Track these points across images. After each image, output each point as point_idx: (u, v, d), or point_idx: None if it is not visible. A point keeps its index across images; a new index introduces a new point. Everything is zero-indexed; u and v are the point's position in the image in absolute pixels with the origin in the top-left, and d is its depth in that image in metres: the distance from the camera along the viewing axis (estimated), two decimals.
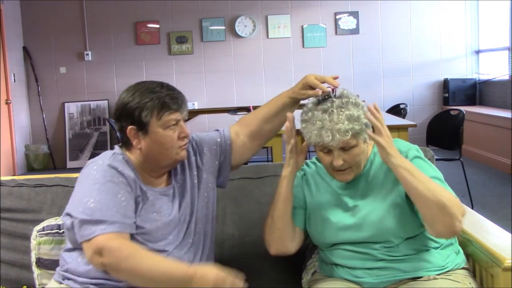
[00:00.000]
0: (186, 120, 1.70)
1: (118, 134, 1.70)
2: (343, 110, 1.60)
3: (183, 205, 1.72)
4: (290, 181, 1.71)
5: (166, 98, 1.61)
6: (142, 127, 1.61)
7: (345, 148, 1.61)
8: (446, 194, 1.55)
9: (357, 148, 1.62)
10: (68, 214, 1.59)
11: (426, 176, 1.57)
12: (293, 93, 1.79)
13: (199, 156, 1.80)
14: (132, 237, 1.57)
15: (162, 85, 1.65)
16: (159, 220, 1.63)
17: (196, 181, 1.76)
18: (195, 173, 1.77)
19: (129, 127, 1.62)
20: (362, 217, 1.65)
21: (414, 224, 1.64)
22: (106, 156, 1.65)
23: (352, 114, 1.59)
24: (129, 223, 1.54)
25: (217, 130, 1.87)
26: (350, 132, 1.58)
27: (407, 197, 1.62)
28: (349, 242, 1.68)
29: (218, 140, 1.83)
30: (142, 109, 1.60)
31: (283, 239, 1.73)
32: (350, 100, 1.63)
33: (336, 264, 1.73)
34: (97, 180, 1.56)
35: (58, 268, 1.69)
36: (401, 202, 1.64)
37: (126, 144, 1.68)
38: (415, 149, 1.71)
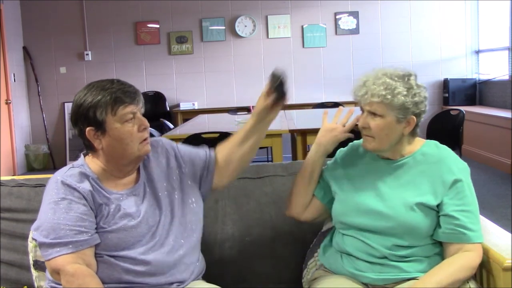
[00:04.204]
0: (143, 114, 1.68)
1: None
2: (387, 78, 1.65)
3: (155, 202, 1.70)
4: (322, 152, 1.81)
5: (118, 93, 1.60)
6: (100, 126, 1.60)
7: (374, 115, 1.65)
8: (460, 271, 1.58)
9: (383, 119, 1.64)
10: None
11: (442, 274, 1.57)
12: (257, 110, 1.75)
13: (182, 160, 1.79)
14: (101, 246, 1.59)
15: (112, 81, 1.64)
16: (127, 223, 1.62)
17: (176, 177, 1.75)
18: (176, 172, 1.76)
19: (87, 128, 1.61)
20: (388, 207, 1.66)
21: (429, 232, 1.65)
22: (63, 171, 1.67)
23: (391, 84, 1.64)
24: (84, 238, 1.56)
25: (204, 149, 1.86)
26: (380, 98, 1.62)
27: (438, 206, 1.64)
28: (365, 229, 1.68)
29: (203, 154, 1.82)
30: (96, 107, 1.59)
31: (299, 204, 1.84)
32: (407, 79, 1.67)
33: (342, 253, 1.73)
34: (51, 199, 1.60)
35: (47, 279, 1.69)
36: (430, 208, 1.64)
37: (88, 147, 1.67)
38: (464, 171, 1.77)
